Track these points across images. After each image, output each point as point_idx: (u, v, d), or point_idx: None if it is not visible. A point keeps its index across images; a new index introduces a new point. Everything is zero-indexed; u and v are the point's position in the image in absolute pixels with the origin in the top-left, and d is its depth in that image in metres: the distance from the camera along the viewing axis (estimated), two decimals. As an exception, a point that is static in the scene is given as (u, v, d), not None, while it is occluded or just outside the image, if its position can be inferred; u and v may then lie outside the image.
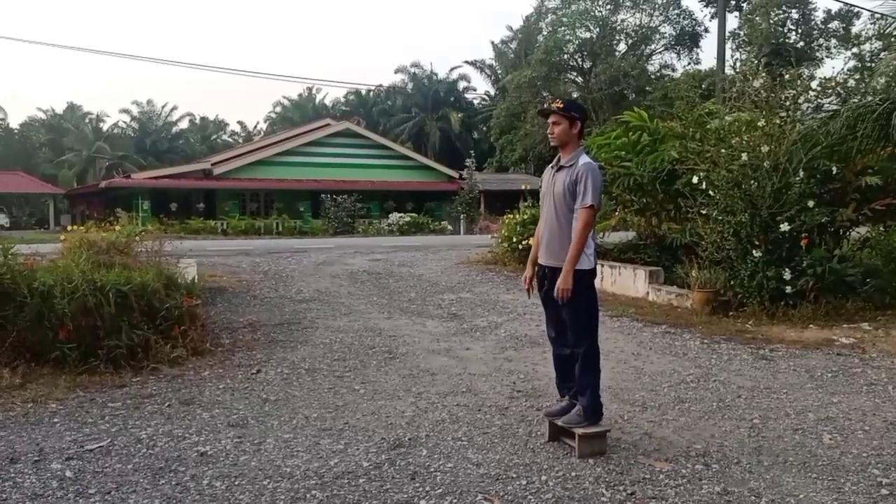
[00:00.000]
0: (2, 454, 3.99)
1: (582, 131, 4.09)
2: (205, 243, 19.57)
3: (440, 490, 3.51)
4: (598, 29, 40.55)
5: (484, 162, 44.83)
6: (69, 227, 8.91)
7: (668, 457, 3.95)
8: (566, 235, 3.95)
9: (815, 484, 3.60)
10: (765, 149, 8.04)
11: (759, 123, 8.29)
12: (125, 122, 59.24)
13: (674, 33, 42.44)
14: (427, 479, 3.64)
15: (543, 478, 3.66)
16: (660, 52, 43.71)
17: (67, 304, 5.65)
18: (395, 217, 32.25)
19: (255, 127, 65.35)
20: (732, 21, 38.04)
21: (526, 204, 14.01)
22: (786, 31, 37.35)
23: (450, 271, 12.44)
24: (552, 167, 4.17)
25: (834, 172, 8.28)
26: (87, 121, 55.25)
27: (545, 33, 42.67)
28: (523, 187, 17.75)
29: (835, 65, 40.67)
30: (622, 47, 42.53)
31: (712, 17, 38.72)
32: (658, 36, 42.73)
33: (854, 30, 35.54)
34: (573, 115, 4.02)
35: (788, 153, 8.06)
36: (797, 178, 7.96)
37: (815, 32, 37.90)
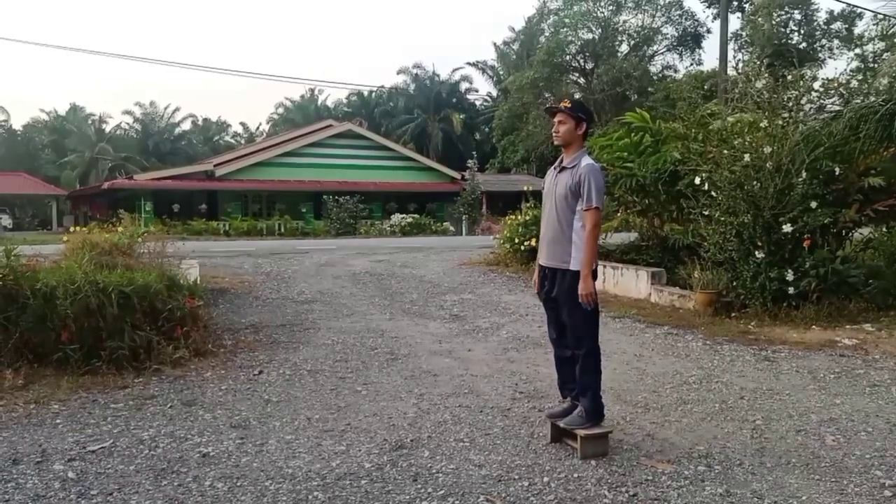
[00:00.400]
0: (4, 455, 3.99)
1: (586, 133, 4.10)
2: (207, 244, 19.60)
3: (442, 491, 3.51)
4: (600, 30, 40.55)
5: (486, 163, 44.85)
6: (72, 229, 8.91)
7: (671, 458, 3.94)
8: (567, 237, 3.95)
9: (817, 485, 3.59)
10: (767, 150, 8.03)
11: (762, 124, 8.28)
12: (128, 124, 59.37)
13: (676, 34, 42.42)
14: (429, 481, 3.64)
15: (545, 479, 3.65)
16: (662, 53, 43.73)
17: (70, 305, 5.66)
18: (397, 218, 32.26)
19: (258, 128, 65.45)
20: (735, 22, 38.05)
21: (528, 205, 14.01)
22: (788, 31, 37.32)
23: (452, 272, 12.44)
24: (555, 168, 4.18)
25: (836, 173, 8.26)
26: (89, 122, 55.32)
27: (547, 34, 42.68)
28: (525, 188, 17.75)
29: (837, 65, 40.63)
30: (624, 48, 42.53)
31: (715, 18, 38.73)
32: (660, 37, 42.71)
33: (857, 30, 35.51)
34: (580, 116, 4.03)
35: (791, 154, 8.04)
36: (800, 179, 7.94)
37: (818, 33, 37.85)
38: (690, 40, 42.27)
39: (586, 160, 3.99)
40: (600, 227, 3.97)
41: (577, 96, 40.88)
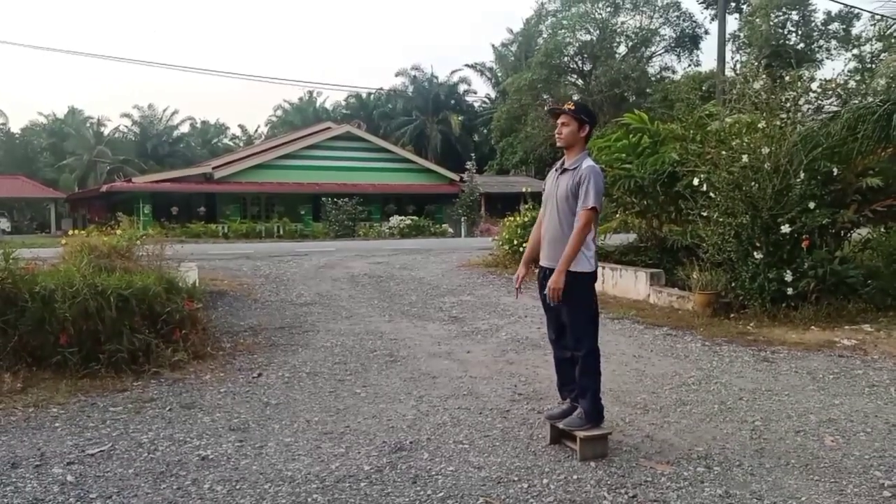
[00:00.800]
0: (3, 459, 3.99)
1: (589, 136, 4.10)
2: (206, 247, 19.61)
3: (441, 493, 3.51)
4: (598, 31, 40.62)
5: (485, 164, 44.90)
6: (70, 232, 8.90)
7: (670, 459, 3.94)
8: (568, 238, 3.95)
9: (816, 486, 3.59)
10: (765, 150, 8.04)
11: (760, 125, 8.29)
12: (126, 127, 59.39)
13: (674, 35, 42.51)
14: (428, 483, 3.64)
15: (545, 481, 3.65)
16: (660, 55, 43.82)
17: (68, 308, 5.65)
18: (395, 220, 32.27)
19: (256, 131, 65.48)
20: (732, 23, 38.15)
21: (527, 206, 14.03)
22: (786, 32, 37.40)
23: (451, 274, 12.45)
24: (556, 169, 4.18)
25: (835, 174, 8.27)
26: (88, 125, 55.32)
27: (545, 36, 42.76)
28: (524, 190, 17.77)
29: (835, 66, 40.68)
30: (622, 49, 42.60)
31: (712, 19, 38.80)
32: (658, 38, 42.81)
33: (854, 31, 35.62)
34: (583, 118, 4.03)
35: (789, 155, 8.05)
36: (798, 180, 7.95)
37: (816, 34, 37.95)
38: (688, 41, 42.36)
39: (588, 162, 3.99)
40: (590, 227, 3.93)
41: (575, 97, 40.96)
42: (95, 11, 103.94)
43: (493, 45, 51.08)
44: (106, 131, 56.17)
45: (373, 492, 3.54)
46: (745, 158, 8.10)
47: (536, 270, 4.30)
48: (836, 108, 9.11)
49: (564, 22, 41.15)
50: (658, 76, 42.99)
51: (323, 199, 31.56)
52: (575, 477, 3.69)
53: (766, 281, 7.86)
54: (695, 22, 41.95)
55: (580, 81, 42.92)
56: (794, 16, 37.44)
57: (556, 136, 4.11)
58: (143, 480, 3.69)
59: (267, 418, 4.76)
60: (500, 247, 13.73)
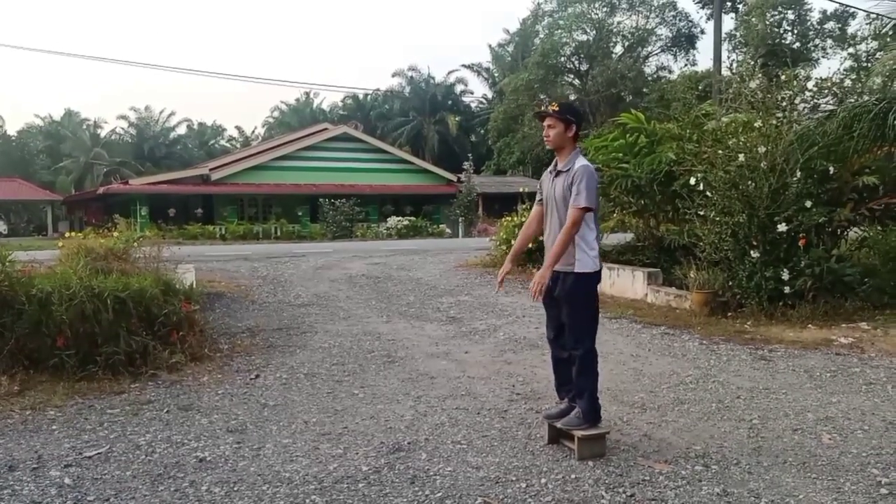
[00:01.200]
0: (0, 462, 3.98)
1: (577, 134, 4.07)
2: (203, 249, 19.59)
3: (440, 494, 3.51)
4: (594, 31, 40.68)
5: (482, 165, 44.94)
6: (67, 234, 8.91)
7: (668, 458, 3.94)
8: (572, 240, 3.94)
9: (814, 484, 3.60)
10: (762, 149, 8.05)
11: (756, 124, 8.31)
12: (123, 129, 59.25)
13: (670, 35, 42.59)
14: (426, 483, 3.64)
15: (543, 480, 3.65)
16: (656, 54, 43.89)
17: (65, 310, 5.65)
18: (393, 221, 32.28)
19: (253, 132, 65.47)
20: (728, 22, 38.23)
21: (524, 206, 14.04)
22: (782, 31, 37.47)
23: (448, 274, 12.45)
24: (550, 172, 4.16)
25: (831, 172, 8.29)
26: (84, 127, 55.23)
27: (542, 36, 42.82)
28: (521, 190, 17.76)
29: (831, 65, 40.86)
30: (619, 49, 42.67)
31: (708, 19, 38.90)
32: (654, 38, 42.88)
33: (850, 30, 35.68)
34: (569, 119, 4.01)
35: (785, 154, 8.07)
36: (794, 179, 7.97)
37: (811, 33, 38.02)
38: (684, 41, 42.43)
39: (580, 161, 3.98)
40: (579, 226, 3.88)
41: (571, 97, 41.04)
42: (91, 13, 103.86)
43: (489, 46, 51.16)
44: (102, 133, 56.10)
45: (371, 493, 3.54)
46: (741, 157, 8.11)
47: (521, 268, 4.26)
48: (832, 107, 9.13)
49: (561, 22, 41.21)
50: (654, 76, 43.05)
51: (320, 200, 31.55)
52: (573, 476, 3.70)
53: (763, 279, 7.87)
54: (691, 21, 42.09)
55: (577, 81, 42.98)
56: (790, 15, 37.52)
57: (545, 139, 4.10)
58: (141, 482, 3.69)
59: (265, 420, 4.76)
60: (498, 247, 13.74)
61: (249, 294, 10.10)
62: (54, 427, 4.61)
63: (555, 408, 4.26)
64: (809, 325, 7.49)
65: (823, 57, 37.51)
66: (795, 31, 37.83)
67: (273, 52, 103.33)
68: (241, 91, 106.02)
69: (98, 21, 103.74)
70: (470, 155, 38.34)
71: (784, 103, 8.72)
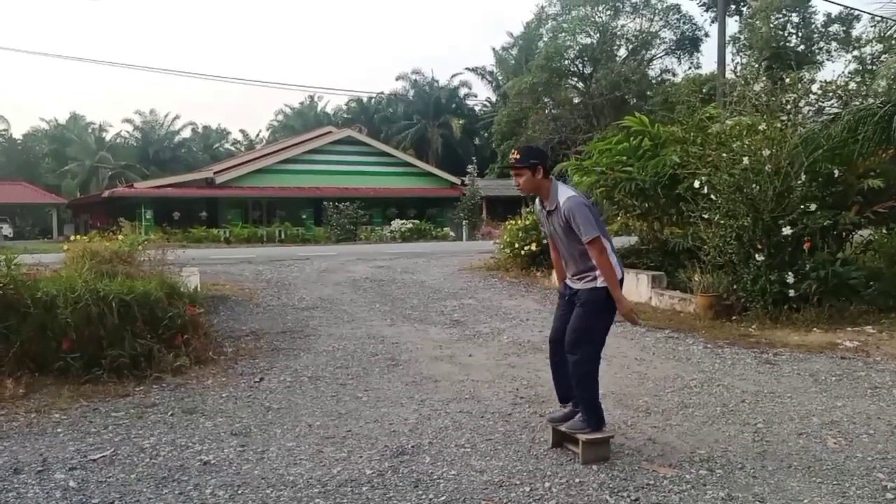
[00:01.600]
0: (6, 464, 3.99)
1: (547, 171, 4.00)
2: (207, 252, 19.62)
3: (443, 497, 3.51)
4: (598, 34, 40.63)
5: (486, 168, 44.87)
6: (72, 237, 8.94)
7: (672, 462, 3.94)
8: (589, 265, 3.95)
9: (819, 488, 3.59)
10: (766, 152, 8.04)
11: (760, 127, 8.29)
12: (128, 132, 59.41)
13: (674, 38, 42.52)
14: (430, 487, 3.64)
15: (547, 484, 3.65)
16: (660, 57, 43.79)
17: (70, 314, 5.67)
18: (397, 224, 32.27)
19: (257, 135, 65.50)
20: (733, 25, 38.12)
21: (528, 209, 14.02)
22: (786, 34, 37.39)
23: (452, 278, 12.44)
24: (542, 210, 4.15)
25: (836, 175, 8.26)
26: (89, 131, 55.38)
27: (546, 39, 42.80)
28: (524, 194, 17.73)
29: (835, 68, 40.78)
30: (623, 52, 42.60)
31: (712, 22, 38.79)
32: (658, 41, 42.80)
33: (854, 33, 35.54)
34: (532, 163, 3.96)
35: (790, 157, 8.05)
36: (799, 182, 7.95)
37: (816, 36, 37.93)
38: (688, 44, 42.36)
39: (563, 195, 3.94)
40: (606, 251, 3.92)
41: (575, 100, 41.02)
42: (97, 17, 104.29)
43: (493, 49, 50.99)
44: (108, 137, 56.27)
45: (375, 496, 3.54)
46: (745, 160, 8.10)
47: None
48: (836, 110, 9.11)
49: (565, 25, 41.17)
50: (658, 79, 42.98)
51: (324, 203, 31.56)
52: (577, 480, 3.69)
53: (768, 283, 7.85)
54: (695, 24, 41.99)
55: (580, 84, 42.92)
56: (795, 18, 37.44)
57: (516, 187, 4.08)
58: (146, 486, 3.70)
59: (269, 423, 4.76)
60: (502, 250, 13.72)
61: (254, 297, 10.11)
62: (59, 430, 4.63)
63: (559, 411, 4.26)
64: (814, 329, 7.47)
65: (828, 60, 37.44)
66: (800, 34, 37.75)
67: (277, 56, 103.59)
68: (245, 95, 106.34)
69: (103, 25, 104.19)
70: (474, 158, 38.34)
71: (788, 106, 8.70)
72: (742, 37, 37.95)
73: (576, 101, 42.10)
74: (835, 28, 37.56)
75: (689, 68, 42.31)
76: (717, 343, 7.16)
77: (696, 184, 8.70)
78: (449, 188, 36.59)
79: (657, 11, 41.73)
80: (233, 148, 65.42)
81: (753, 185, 8.06)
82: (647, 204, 11.08)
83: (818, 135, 8.50)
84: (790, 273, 7.76)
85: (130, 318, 5.94)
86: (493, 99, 53.55)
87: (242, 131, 71.42)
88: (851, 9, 33.45)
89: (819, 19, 37.75)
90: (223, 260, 15.59)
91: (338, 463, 3.99)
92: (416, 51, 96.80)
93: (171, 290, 6.68)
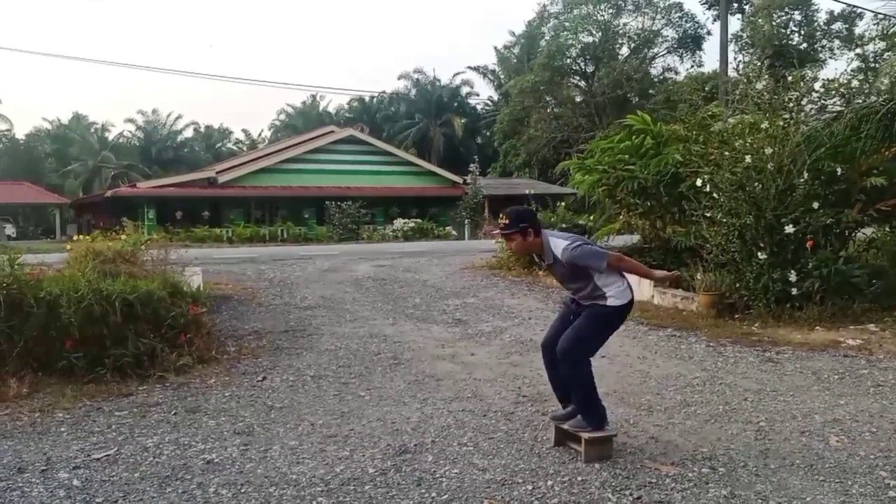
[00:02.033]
0: (9, 463, 4.01)
1: (538, 231, 4.00)
2: (210, 251, 19.65)
3: (446, 496, 3.51)
4: (600, 33, 40.63)
5: (488, 167, 44.89)
6: (75, 237, 8.95)
7: (675, 461, 3.94)
8: (600, 292, 3.96)
9: (822, 486, 3.59)
10: (768, 151, 8.03)
11: (763, 125, 8.28)
12: (130, 132, 59.48)
13: (676, 36, 42.49)
14: (433, 485, 3.64)
15: (549, 483, 3.65)
16: (662, 56, 43.79)
17: (74, 313, 5.68)
18: (399, 223, 32.28)
19: (260, 135, 65.54)
20: (735, 23, 38.06)
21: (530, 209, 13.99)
22: (788, 32, 37.36)
23: (454, 277, 12.45)
24: (541, 262, 4.20)
25: (838, 174, 8.25)
26: (92, 130, 55.46)
27: (548, 38, 42.80)
28: (527, 192, 17.79)
29: (838, 66, 40.60)
30: (625, 51, 42.59)
31: (715, 20, 38.76)
32: (661, 39, 42.79)
33: (857, 30, 35.48)
34: (522, 227, 3.97)
35: (792, 155, 8.04)
36: (801, 180, 7.94)
37: (818, 34, 37.89)
38: (691, 42, 42.32)
39: (557, 248, 3.94)
40: (624, 258, 4.07)
41: (577, 99, 40.99)
42: (99, 17, 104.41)
43: (495, 48, 51.11)
44: (110, 137, 56.33)
45: (377, 494, 3.54)
46: (748, 159, 8.09)
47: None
48: (839, 108, 9.09)
49: (567, 24, 41.17)
50: (661, 77, 42.98)
51: (326, 202, 31.56)
52: (579, 479, 3.69)
53: (771, 281, 7.85)
54: (697, 23, 41.94)
55: (583, 83, 42.91)
56: (797, 16, 37.40)
57: (508, 250, 4.11)
58: (149, 484, 3.71)
59: (272, 422, 4.77)
60: (504, 249, 13.72)
61: (256, 296, 10.12)
62: (63, 429, 4.64)
63: (561, 410, 4.26)
64: (817, 327, 7.46)
65: (831, 58, 37.40)
66: (802, 32, 37.70)
67: (279, 56, 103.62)
68: (247, 94, 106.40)
69: (106, 25, 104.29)
70: (476, 157, 38.28)
71: (791, 104, 8.69)
72: (744, 35, 37.91)
73: (578, 99, 42.10)
74: (837, 26, 37.52)
75: (692, 66, 42.34)
76: (720, 341, 7.16)
77: (699, 182, 8.69)
78: (451, 187, 36.58)
79: (659, 9, 41.72)
80: (235, 147, 65.46)
81: (756, 184, 8.06)
82: (649, 202, 11.08)
83: (821, 133, 8.49)
84: (793, 271, 7.75)
85: (133, 317, 5.96)
86: (495, 98, 53.55)
87: (245, 131, 71.67)
88: (854, 6, 33.40)
89: (821, 17, 37.74)
90: (226, 259, 15.62)
91: (340, 461, 4.00)
92: (418, 50, 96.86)
93: (174, 289, 6.69)
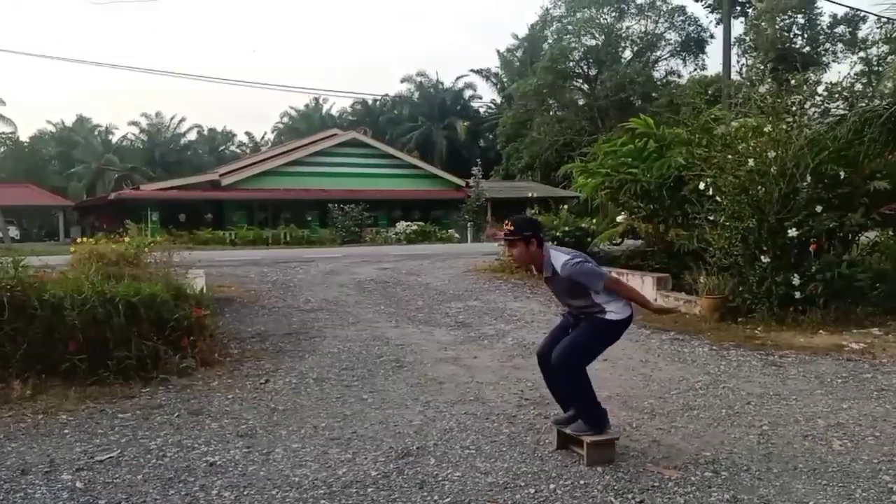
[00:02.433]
0: (13, 465, 4.01)
1: (541, 242, 4.01)
2: (213, 254, 19.64)
3: (448, 499, 3.51)
4: (603, 36, 40.65)
5: (490, 170, 44.88)
6: (79, 239, 8.98)
7: (677, 464, 3.93)
8: (599, 308, 3.96)
9: (825, 490, 3.58)
10: (771, 154, 8.03)
11: (766, 129, 8.29)
12: (134, 135, 59.67)
13: (679, 40, 42.51)
14: (435, 488, 3.64)
15: (552, 486, 3.65)
16: (665, 59, 43.80)
17: (77, 315, 5.69)
18: (402, 226, 32.27)
19: (263, 138, 65.64)
20: (738, 27, 38.06)
21: (533, 211, 14.03)
22: (792, 35, 37.31)
23: (457, 279, 12.44)
24: (542, 275, 4.18)
25: (842, 177, 8.25)
26: (96, 133, 55.65)
27: (550, 41, 42.83)
28: (530, 195, 17.78)
29: (841, 69, 40.63)
30: (628, 54, 42.62)
31: (718, 23, 38.78)
32: (663, 42, 42.82)
33: (860, 34, 35.38)
34: (526, 235, 3.97)
35: (795, 158, 8.04)
36: (804, 184, 7.94)
37: (822, 37, 37.84)
38: (694, 46, 42.34)
39: (557, 262, 3.95)
40: (621, 283, 4.12)
41: (580, 102, 40.98)
42: (103, 20, 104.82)
43: (497, 51, 51.25)
44: (114, 139, 56.57)
45: (380, 497, 3.55)
46: (751, 162, 8.09)
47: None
48: (842, 112, 9.10)
49: (570, 27, 41.20)
50: (664, 80, 42.95)
51: (329, 205, 31.58)
52: (582, 482, 3.69)
53: (774, 285, 7.84)
54: (700, 26, 41.98)
55: (586, 86, 42.92)
56: (800, 19, 37.35)
57: (510, 258, 4.11)
58: (152, 486, 3.71)
59: (274, 424, 4.78)
60: (506, 253, 13.72)
61: (259, 299, 10.13)
62: (66, 431, 4.65)
63: (563, 414, 4.26)
64: (820, 331, 7.45)
65: (834, 61, 37.32)
66: (805, 36, 37.66)
67: (282, 59, 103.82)
68: (250, 97, 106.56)
69: (110, 27, 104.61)
70: (478, 160, 38.26)
71: (794, 108, 8.69)
72: (747, 38, 37.87)
73: (581, 102, 42.10)
74: (841, 29, 37.47)
75: (695, 70, 42.33)
76: (723, 345, 7.15)
77: (702, 185, 8.70)
78: (454, 190, 36.59)
79: (662, 13, 41.75)
80: (238, 150, 65.60)
81: (759, 187, 8.06)
82: (652, 206, 11.08)
83: (824, 136, 8.49)
84: (796, 275, 7.75)
85: (137, 319, 5.96)
86: (498, 101, 53.58)
87: (248, 133, 71.60)
88: (857, 10, 33.35)
89: (825, 20, 37.69)
90: (229, 262, 15.64)
91: (343, 464, 4.00)
92: (421, 53, 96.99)
93: (177, 292, 6.69)
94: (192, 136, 63.04)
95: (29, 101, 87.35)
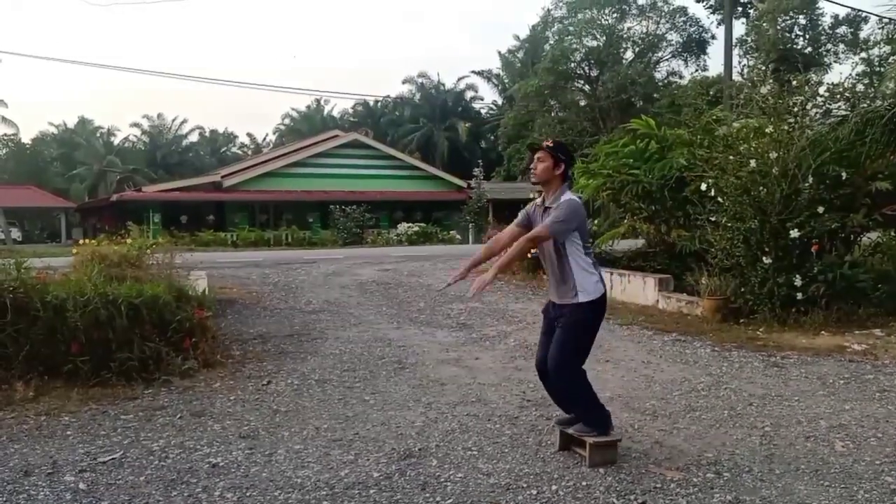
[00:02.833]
0: (16, 467, 4.02)
1: (566, 174, 4.01)
2: (215, 255, 19.68)
3: (450, 500, 3.52)
4: (604, 37, 40.61)
5: (492, 171, 44.87)
6: (81, 241, 8.98)
7: (680, 466, 3.93)
8: (566, 271, 3.92)
9: (827, 492, 3.58)
10: (773, 155, 8.03)
11: (768, 130, 8.28)
12: (136, 136, 59.74)
13: (681, 40, 42.44)
14: (437, 490, 3.65)
15: (554, 487, 3.65)
16: (667, 60, 43.70)
17: (80, 317, 5.70)
18: (403, 227, 32.29)
19: (265, 139, 65.69)
20: (739, 27, 38.01)
21: (534, 213, 13.99)
22: (793, 36, 37.25)
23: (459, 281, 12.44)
24: (539, 206, 4.12)
25: (843, 178, 8.24)
26: (98, 135, 55.70)
27: (552, 42, 42.77)
28: (531, 196, 17.75)
29: (843, 70, 40.58)
30: (629, 55, 42.55)
31: (719, 24, 38.74)
32: (665, 43, 42.74)
33: (862, 34, 35.33)
34: (559, 157, 3.97)
35: (797, 159, 8.04)
36: (806, 184, 7.93)
37: (823, 38, 37.79)
38: (695, 46, 42.29)
39: (567, 195, 3.95)
40: (532, 244, 3.98)
41: (581, 103, 40.98)
42: (105, 21, 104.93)
43: (499, 52, 51.27)
44: (116, 141, 56.58)
45: (382, 499, 3.55)
46: (752, 163, 8.09)
47: (472, 277, 4.23)
48: (844, 112, 9.09)
49: (571, 28, 41.15)
50: (665, 81, 42.90)
51: (331, 206, 31.62)
52: (584, 483, 3.69)
53: (776, 286, 7.84)
54: (701, 27, 41.90)
55: (587, 87, 42.87)
56: (802, 20, 37.28)
57: (531, 171, 4.08)
58: (155, 488, 3.72)
59: (276, 426, 4.78)
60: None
61: (261, 300, 10.15)
62: (69, 432, 4.65)
63: (566, 415, 4.26)
64: (822, 332, 7.44)
65: (836, 62, 37.26)
66: (807, 36, 37.60)
67: (284, 60, 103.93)
68: (252, 99, 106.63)
69: (111, 29, 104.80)
70: (480, 161, 38.33)
71: (796, 108, 8.69)
72: (749, 39, 37.82)
73: (582, 103, 42.05)
74: (842, 30, 37.41)
75: (696, 71, 42.26)
76: (725, 346, 7.15)
77: (703, 186, 8.70)
78: (455, 191, 36.62)
79: (663, 14, 41.68)
80: (240, 152, 65.64)
81: (760, 188, 8.05)
82: (653, 207, 11.08)
83: (826, 137, 8.49)
84: (798, 276, 7.74)
85: (139, 321, 5.97)
86: (500, 102, 53.58)
87: (249, 135, 71.59)
88: (859, 10, 33.34)
89: (826, 21, 37.60)
90: (230, 263, 15.66)
91: (345, 465, 4.01)
92: (422, 54, 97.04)
93: (179, 293, 6.70)
94: (194, 137, 63.17)
95: (31, 102, 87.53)
